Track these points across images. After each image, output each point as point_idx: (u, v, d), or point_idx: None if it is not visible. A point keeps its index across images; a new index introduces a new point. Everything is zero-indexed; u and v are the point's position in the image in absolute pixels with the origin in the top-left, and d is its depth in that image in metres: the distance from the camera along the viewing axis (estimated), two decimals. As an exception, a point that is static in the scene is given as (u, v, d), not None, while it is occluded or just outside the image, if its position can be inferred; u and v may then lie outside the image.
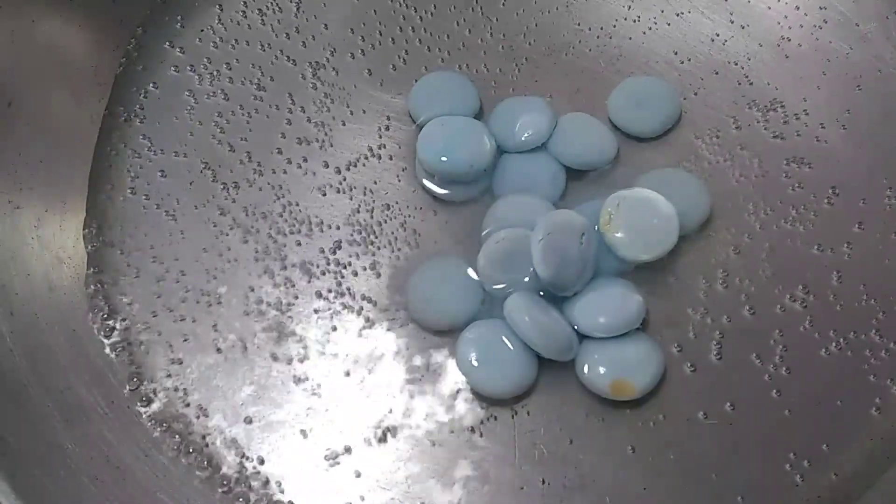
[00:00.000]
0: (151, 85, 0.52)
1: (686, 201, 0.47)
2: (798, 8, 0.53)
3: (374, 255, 0.48)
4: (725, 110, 0.51)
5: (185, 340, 0.46)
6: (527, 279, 0.45)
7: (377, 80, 0.52)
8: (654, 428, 0.44)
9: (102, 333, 0.46)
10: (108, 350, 0.46)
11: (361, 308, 0.47)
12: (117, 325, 0.46)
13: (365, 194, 0.49)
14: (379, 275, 0.47)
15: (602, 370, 0.44)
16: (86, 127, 0.50)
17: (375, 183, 0.50)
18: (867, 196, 0.49)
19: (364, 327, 0.46)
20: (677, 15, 0.54)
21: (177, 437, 0.44)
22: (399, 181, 0.50)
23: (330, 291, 0.47)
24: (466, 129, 0.49)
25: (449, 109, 0.50)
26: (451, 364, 0.45)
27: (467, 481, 0.44)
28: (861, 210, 0.48)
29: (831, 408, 0.45)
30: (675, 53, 0.53)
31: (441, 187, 0.49)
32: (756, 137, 0.50)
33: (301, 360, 0.46)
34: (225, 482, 0.44)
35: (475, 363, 0.44)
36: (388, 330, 0.46)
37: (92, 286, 0.47)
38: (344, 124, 0.51)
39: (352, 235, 0.48)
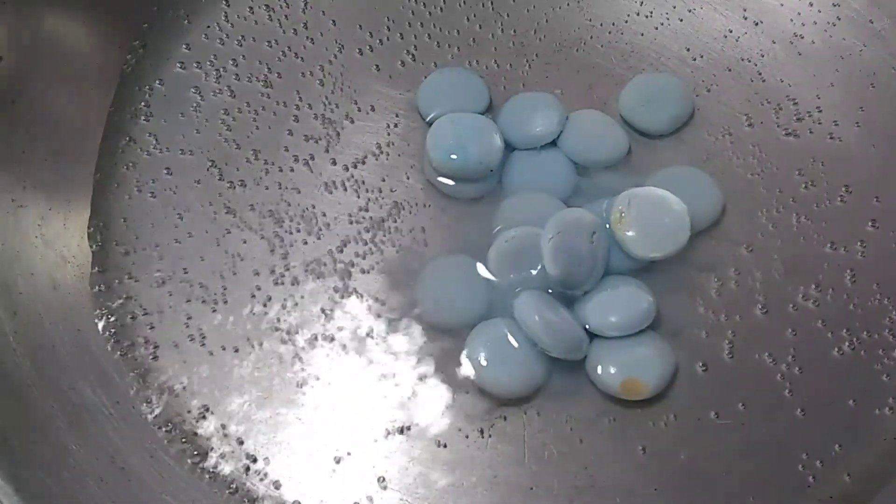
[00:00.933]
0: (157, 82, 0.52)
1: (698, 199, 0.47)
2: (811, 5, 0.53)
3: (382, 253, 0.48)
4: (738, 108, 0.51)
5: (191, 340, 0.46)
6: (537, 277, 0.45)
7: (385, 76, 0.52)
8: (666, 428, 0.44)
9: (107, 333, 0.46)
10: (112, 350, 0.46)
11: (369, 307, 0.46)
12: (122, 325, 0.46)
13: (373, 192, 0.49)
14: (387, 273, 0.47)
15: (613, 370, 0.44)
16: (91, 124, 0.50)
17: (384, 180, 0.49)
18: (881, 194, 0.48)
19: (372, 326, 0.46)
20: (689, 11, 0.53)
21: (182, 437, 0.44)
22: (408, 179, 0.49)
23: (337, 290, 0.47)
24: (476, 125, 0.48)
25: (458, 106, 0.50)
26: (461, 363, 0.45)
27: (476, 482, 0.43)
28: (875, 208, 0.48)
29: (844, 407, 0.44)
30: (688, 50, 0.52)
31: (450, 184, 0.48)
32: (769, 135, 0.50)
33: (308, 360, 0.46)
34: (231, 483, 0.43)
35: (484, 362, 0.44)
36: (397, 329, 0.46)
37: (97, 285, 0.47)
38: (352, 121, 0.51)
39: (359, 233, 0.48)
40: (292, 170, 0.50)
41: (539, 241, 0.44)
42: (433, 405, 0.44)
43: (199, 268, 0.47)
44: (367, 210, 0.49)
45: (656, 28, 0.53)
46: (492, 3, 0.54)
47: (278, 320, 0.46)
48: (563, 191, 0.48)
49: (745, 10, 0.53)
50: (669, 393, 0.45)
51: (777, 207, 0.48)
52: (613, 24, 0.53)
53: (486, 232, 0.47)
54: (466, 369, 0.45)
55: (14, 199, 0.46)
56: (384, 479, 0.43)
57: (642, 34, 0.53)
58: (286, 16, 0.54)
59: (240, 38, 0.53)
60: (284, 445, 0.44)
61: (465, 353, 0.45)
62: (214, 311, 0.46)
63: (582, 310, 0.45)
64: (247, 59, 0.52)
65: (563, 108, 0.49)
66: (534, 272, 0.45)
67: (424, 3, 0.54)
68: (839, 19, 0.52)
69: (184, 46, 0.52)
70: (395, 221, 0.48)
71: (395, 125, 0.51)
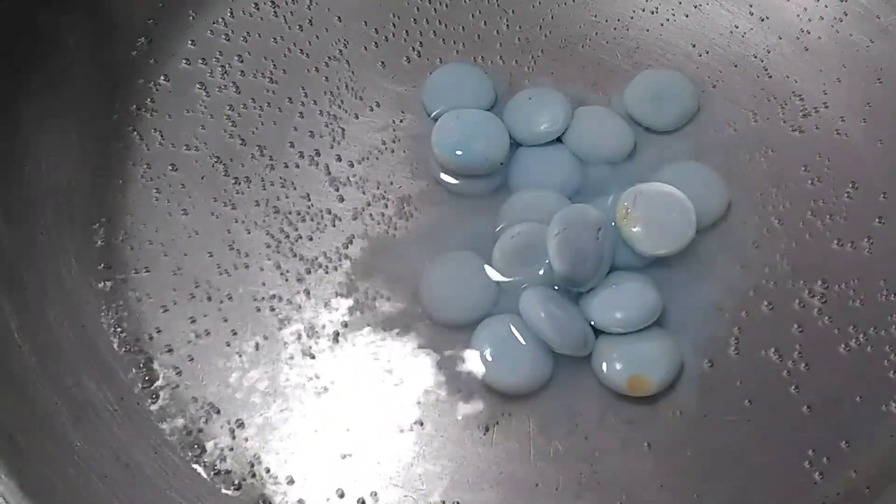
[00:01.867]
0: (163, 78, 0.51)
1: (704, 195, 0.47)
2: (818, 0, 0.52)
3: (387, 249, 0.47)
4: (744, 104, 0.51)
5: (196, 336, 0.46)
6: (542, 274, 0.45)
7: (391, 72, 0.52)
8: (671, 424, 0.44)
9: (112, 329, 0.46)
10: (117, 346, 0.45)
11: (374, 304, 0.46)
12: (127, 321, 0.46)
13: (378, 188, 0.49)
14: (392, 270, 0.47)
15: (618, 366, 0.44)
16: (96, 120, 0.50)
17: (388, 177, 0.49)
18: (887, 190, 0.48)
19: (377, 323, 0.46)
20: (695, 7, 0.53)
21: (187, 433, 0.44)
22: (413, 175, 0.49)
23: (342, 286, 0.47)
24: (481, 122, 0.48)
25: (464, 102, 0.50)
26: (466, 360, 0.45)
27: (481, 478, 0.43)
28: (881, 204, 0.48)
29: (851, 404, 0.44)
30: (693, 46, 0.52)
31: (455, 181, 0.48)
32: (775, 131, 0.50)
33: (313, 357, 0.45)
34: (235, 479, 0.43)
35: (490, 359, 0.44)
36: (402, 326, 0.46)
37: (102, 281, 0.47)
38: (357, 117, 0.51)
39: (364, 230, 0.48)
40: (297, 166, 0.49)
41: (544, 237, 0.44)
42: (438, 402, 0.44)
43: (205, 264, 0.47)
44: (371, 206, 0.49)
45: (662, 24, 0.53)
46: (497, 0, 0.54)
47: (284, 316, 0.46)
48: (569, 187, 0.48)
49: (751, 6, 0.53)
50: (675, 389, 0.45)
51: (783, 203, 0.48)
52: (619, 20, 0.53)
53: (491, 228, 0.47)
54: (472, 366, 0.45)
55: (19, 196, 0.46)
56: (390, 476, 0.43)
57: (648, 30, 0.53)
58: (291, 12, 0.54)
59: (245, 34, 0.53)
60: (289, 441, 0.44)
61: (470, 349, 0.45)
62: (220, 307, 0.46)
63: (587, 306, 0.45)
64: (252, 55, 0.52)
65: (568, 104, 0.49)
66: (539, 269, 0.45)
67: (430, 0, 0.54)
68: (846, 15, 0.52)
69: (189, 42, 0.52)
70: (401, 218, 0.48)
71: (401, 121, 0.51)
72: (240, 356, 0.45)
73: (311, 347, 0.46)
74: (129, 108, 0.51)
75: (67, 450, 0.41)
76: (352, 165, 0.50)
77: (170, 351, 0.46)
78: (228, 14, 0.53)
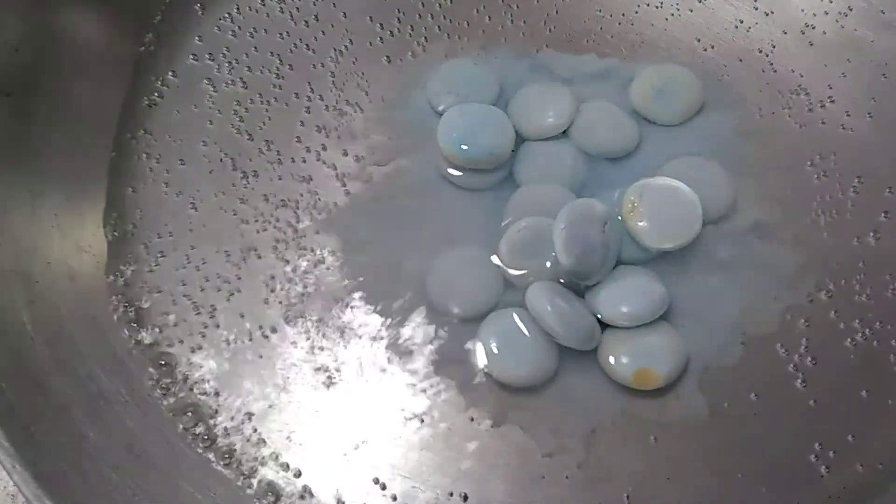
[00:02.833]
0: (170, 73, 0.52)
1: (709, 190, 0.47)
2: (822, -6, 0.53)
3: (393, 243, 0.48)
4: (749, 98, 0.51)
5: (206, 328, 0.46)
6: (549, 267, 0.45)
7: (396, 67, 0.52)
8: (678, 418, 0.44)
9: (123, 322, 0.46)
10: (129, 338, 0.46)
11: (382, 297, 0.46)
12: (138, 314, 0.46)
13: (384, 182, 0.49)
14: (398, 263, 0.47)
15: (625, 360, 0.44)
16: (106, 115, 0.50)
17: (395, 171, 0.49)
18: (893, 184, 0.48)
19: (385, 316, 0.46)
20: (700, 2, 0.53)
21: (198, 425, 0.44)
22: (419, 170, 0.49)
23: (350, 280, 0.47)
24: (487, 116, 0.48)
25: (469, 97, 0.50)
26: (473, 353, 0.45)
27: (488, 471, 0.43)
28: (887, 199, 0.48)
29: (857, 398, 0.44)
30: (698, 41, 0.52)
31: (461, 175, 0.49)
32: (780, 126, 0.50)
33: (321, 349, 0.46)
34: (246, 469, 0.43)
35: (496, 352, 0.44)
36: (409, 319, 0.46)
37: (112, 274, 0.47)
38: (363, 112, 0.51)
39: (371, 224, 0.48)
40: (304, 160, 0.50)
41: (550, 231, 0.44)
42: (446, 395, 0.45)
43: (214, 257, 0.48)
44: (378, 201, 0.49)
45: (666, 19, 0.53)
46: (502, -6, 0.54)
47: (292, 310, 0.46)
48: (575, 181, 0.48)
49: (755, 1, 0.53)
50: (681, 383, 0.45)
51: (789, 198, 0.48)
52: (623, 14, 0.53)
53: (497, 223, 0.47)
54: (478, 359, 0.45)
55: (31, 189, 0.46)
56: (397, 467, 0.43)
57: (653, 25, 0.53)
58: (297, 8, 0.54)
59: (252, 29, 0.53)
60: (299, 432, 0.44)
61: (477, 342, 0.45)
62: (229, 300, 0.47)
63: (594, 300, 0.45)
64: (259, 50, 0.52)
65: (574, 98, 0.49)
66: (545, 262, 0.45)
67: (435, -5, 0.54)
68: (850, 9, 0.52)
69: (197, 38, 0.53)
70: (407, 212, 0.48)
71: (406, 116, 0.51)
72: (249, 348, 0.46)
73: (318, 340, 0.46)
74: (139, 103, 0.51)
75: (80, 441, 0.41)
76: (358, 160, 0.50)
77: (180, 343, 0.46)
78: (235, 10, 0.53)
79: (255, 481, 0.43)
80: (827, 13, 0.52)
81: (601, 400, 0.45)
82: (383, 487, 0.43)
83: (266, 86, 0.52)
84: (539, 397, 0.45)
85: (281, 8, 0.54)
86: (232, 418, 0.44)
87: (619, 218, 0.46)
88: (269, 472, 0.43)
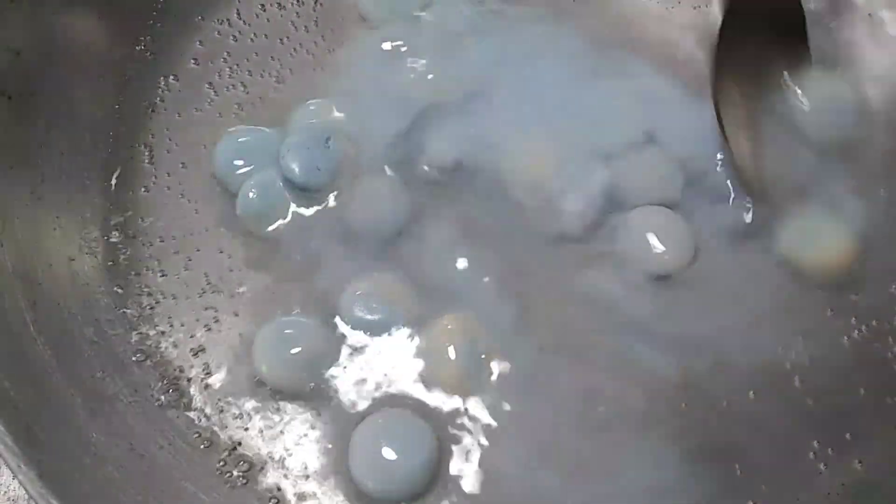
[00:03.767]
0: (172, 77, 0.52)
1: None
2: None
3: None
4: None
5: (208, 330, 0.46)
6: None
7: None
8: (676, 417, 0.44)
9: (125, 323, 0.46)
10: (131, 339, 0.46)
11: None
12: (140, 315, 0.46)
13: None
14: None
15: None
16: (107, 118, 0.50)
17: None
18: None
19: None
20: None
21: (200, 425, 0.44)
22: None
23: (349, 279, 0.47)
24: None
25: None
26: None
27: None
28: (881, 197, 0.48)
29: (854, 396, 0.44)
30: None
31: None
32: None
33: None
34: (247, 470, 0.43)
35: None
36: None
37: (114, 276, 0.47)
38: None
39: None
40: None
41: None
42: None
43: (215, 259, 0.48)
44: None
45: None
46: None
47: (293, 310, 0.46)
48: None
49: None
50: (680, 381, 0.45)
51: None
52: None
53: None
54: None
55: (33, 191, 0.46)
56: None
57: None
58: (297, 13, 0.54)
59: (252, 34, 0.53)
60: (301, 434, 0.44)
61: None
62: (230, 301, 0.47)
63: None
64: (259, 55, 0.53)
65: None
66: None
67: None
68: None
69: (197, 42, 0.53)
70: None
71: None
72: (251, 350, 0.45)
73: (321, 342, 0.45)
74: (140, 107, 0.51)
75: (84, 441, 0.41)
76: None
77: (182, 344, 0.46)
78: (235, 15, 0.54)
79: (257, 482, 0.43)
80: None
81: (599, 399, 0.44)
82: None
83: (266, 90, 0.52)
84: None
85: (281, 14, 0.54)
86: (234, 419, 0.44)
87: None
88: (272, 474, 0.43)
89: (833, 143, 0.48)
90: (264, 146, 0.48)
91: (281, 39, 0.53)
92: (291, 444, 0.44)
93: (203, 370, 0.45)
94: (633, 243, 0.46)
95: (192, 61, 0.52)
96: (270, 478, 0.43)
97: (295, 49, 0.53)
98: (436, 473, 0.42)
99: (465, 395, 0.44)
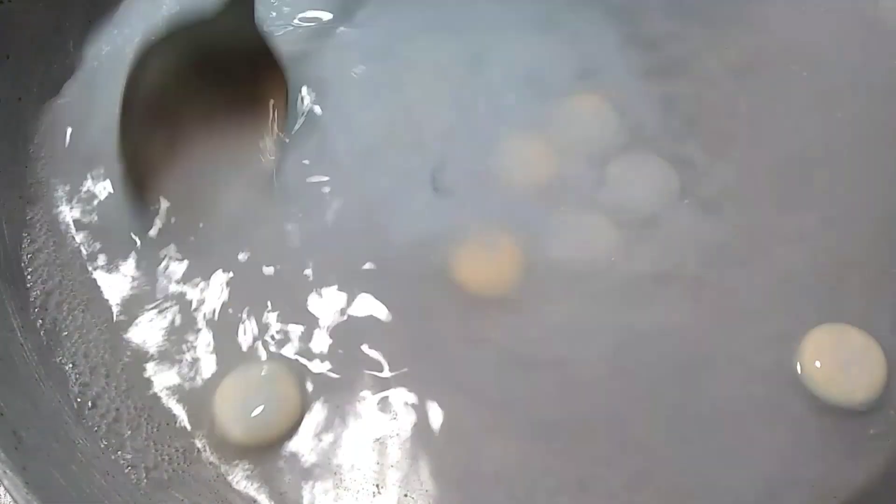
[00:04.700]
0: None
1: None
2: None
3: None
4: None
5: (198, 331, 0.45)
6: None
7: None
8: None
9: (116, 328, 0.45)
10: (121, 345, 0.45)
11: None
12: (131, 320, 0.45)
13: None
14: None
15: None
16: (100, 118, 0.49)
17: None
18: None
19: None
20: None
21: (192, 432, 0.43)
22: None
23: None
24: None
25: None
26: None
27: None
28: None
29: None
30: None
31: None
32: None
33: (321, 359, 0.45)
34: (238, 477, 0.42)
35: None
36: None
37: (105, 279, 0.46)
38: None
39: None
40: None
41: None
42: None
43: (209, 259, 0.47)
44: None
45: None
46: None
47: (285, 317, 0.46)
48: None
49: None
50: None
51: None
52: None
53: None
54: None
55: (21, 195, 0.46)
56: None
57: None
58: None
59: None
60: (294, 443, 0.43)
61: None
62: (226, 308, 0.46)
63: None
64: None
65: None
66: None
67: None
68: None
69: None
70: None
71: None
72: (243, 354, 0.45)
73: (311, 348, 0.45)
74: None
75: (70, 447, 0.41)
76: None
77: (175, 346, 0.45)
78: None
79: (250, 487, 0.42)
80: None
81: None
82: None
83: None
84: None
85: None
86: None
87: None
88: (264, 478, 0.43)
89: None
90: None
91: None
92: (289, 454, 0.43)
93: (196, 374, 0.44)
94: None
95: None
96: (265, 483, 0.43)
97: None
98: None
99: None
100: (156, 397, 0.44)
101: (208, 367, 0.45)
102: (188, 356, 0.45)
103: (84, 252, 0.47)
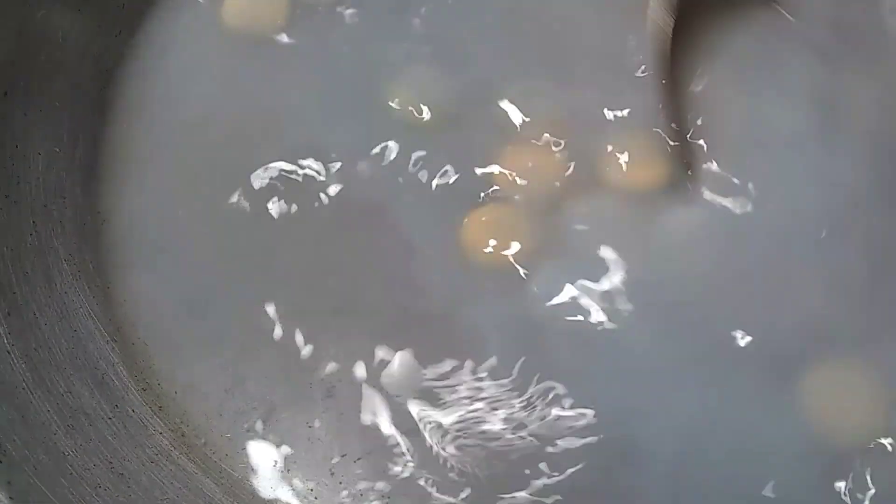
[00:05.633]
0: (157, 74, 0.51)
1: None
2: None
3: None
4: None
5: (192, 342, 0.45)
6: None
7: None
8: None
9: (105, 334, 0.45)
10: (111, 351, 0.45)
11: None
12: (120, 326, 0.45)
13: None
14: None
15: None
16: (87, 117, 0.49)
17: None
18: None
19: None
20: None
21: (184, 442, 0.43)
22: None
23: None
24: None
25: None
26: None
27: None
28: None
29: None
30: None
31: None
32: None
33: (315, 361, 0.45)
34: (236, 488, 0.43)
35: None
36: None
37: (94, 285, 0.46)
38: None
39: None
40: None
41: None
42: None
43: (201, 266, 0.47)
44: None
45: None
46: None
47: (281, 318, 0.45)
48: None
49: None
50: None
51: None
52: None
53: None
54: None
55: (7, 195, 0.45)
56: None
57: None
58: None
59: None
60: (292, 448, 0.43)
61: None
62: (216, 310, 0.46)
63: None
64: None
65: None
66: None
67: None
68: None
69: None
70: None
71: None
72: (238, 362, 0.45)
73: (310, 350, 0.45)
74: (122, 106, 0.50)
75: (59, 459, 0.40)
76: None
77: (165, 355, 0.45)
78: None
79: (246, 501, 0.43)
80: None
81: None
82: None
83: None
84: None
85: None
86: (220, 435, 0.44)
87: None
88: (260, 491, 0.43)
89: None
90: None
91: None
92: (286, 459, 0.43)
93: (188, 383, 0.44)
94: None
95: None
96: (260, 496, 0.43)
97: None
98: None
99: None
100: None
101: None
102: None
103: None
